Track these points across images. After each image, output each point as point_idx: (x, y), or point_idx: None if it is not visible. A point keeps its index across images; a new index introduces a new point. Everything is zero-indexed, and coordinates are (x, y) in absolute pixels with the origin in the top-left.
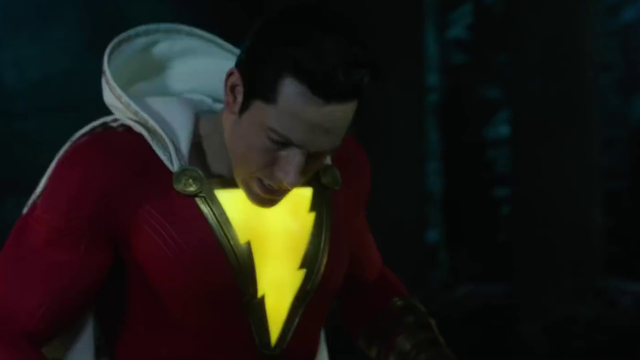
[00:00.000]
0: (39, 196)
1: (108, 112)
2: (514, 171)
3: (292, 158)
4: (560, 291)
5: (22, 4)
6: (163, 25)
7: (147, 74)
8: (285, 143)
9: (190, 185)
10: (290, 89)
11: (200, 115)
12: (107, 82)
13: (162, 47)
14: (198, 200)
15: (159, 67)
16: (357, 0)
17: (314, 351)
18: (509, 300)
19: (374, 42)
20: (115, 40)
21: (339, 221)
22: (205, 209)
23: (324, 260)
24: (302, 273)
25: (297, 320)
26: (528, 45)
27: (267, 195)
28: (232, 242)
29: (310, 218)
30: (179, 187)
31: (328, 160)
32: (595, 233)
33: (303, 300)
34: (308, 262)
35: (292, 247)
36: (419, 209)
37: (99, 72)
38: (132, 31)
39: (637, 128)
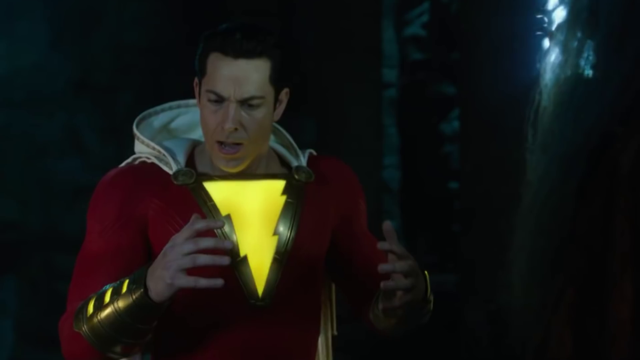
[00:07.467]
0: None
1: (76, 111)
2: (463, 166)
3: (226, 110)
4: (503, 283)
5: None
6: (192, 101)
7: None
8: (218, 100)
9: (184, 180)
10: (212, 59)
11: (197, 144)
12: (140, 140)
13: (186, 119)
14: (190, 189)
15: (183, 133)
16: None
17: (303, 310)
18: (458, 289)
19: (334, 39)
20: (144, 113)
21: (312, 207)
22: (195, 194)
23: (294, 230)
24: (276, 239)
25: (279, 277)
26: (480, 44)
27: (227, 155)
28: (215, 215)
29: (282, 200)
30: (176, 182)
31: (303, 162)
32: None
33: (281, 261)
34: (280, 230)
35: (267, 220)
36: (376, 200)
37: (66, 67)
38: (158, 107)
39: None
